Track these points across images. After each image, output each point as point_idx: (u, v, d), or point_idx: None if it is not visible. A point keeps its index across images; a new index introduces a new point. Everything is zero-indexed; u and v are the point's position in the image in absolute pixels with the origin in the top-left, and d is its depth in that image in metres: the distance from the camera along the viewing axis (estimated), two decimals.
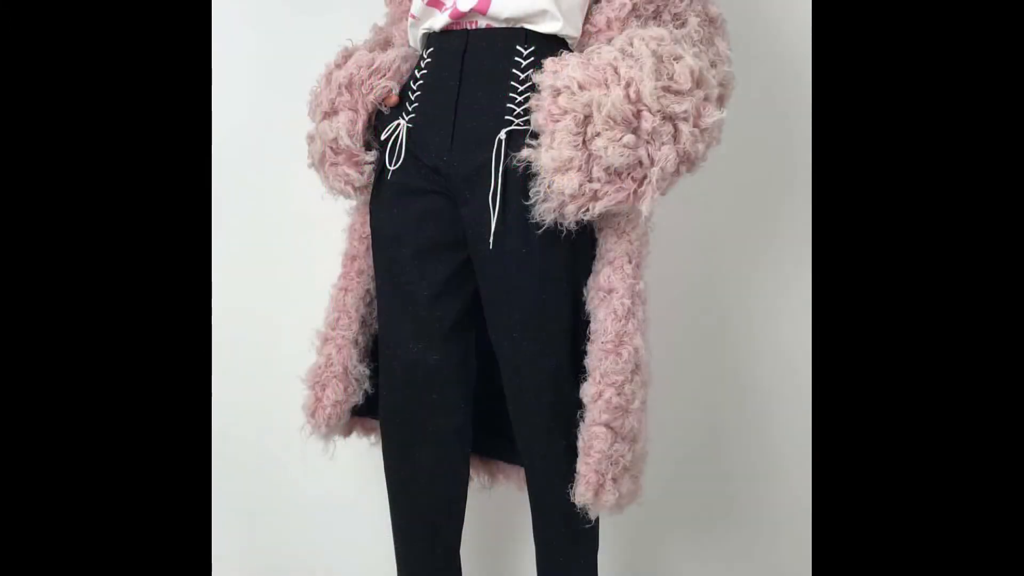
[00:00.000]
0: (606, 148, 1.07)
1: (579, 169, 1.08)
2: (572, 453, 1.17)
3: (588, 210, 1.09)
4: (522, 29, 1.17)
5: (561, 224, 1.11)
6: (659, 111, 1.08)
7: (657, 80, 1.08)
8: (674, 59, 1.10)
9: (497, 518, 1.74)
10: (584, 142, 1.08)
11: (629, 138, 1.07)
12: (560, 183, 1.08)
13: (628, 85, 1.07)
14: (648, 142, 1.08)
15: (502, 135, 1.14)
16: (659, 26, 1.14)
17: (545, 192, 1.10)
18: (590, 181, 1.08)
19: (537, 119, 1.10)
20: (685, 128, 1.09)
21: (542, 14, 1.15)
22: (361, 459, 1.90)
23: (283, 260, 1.92)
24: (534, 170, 1.11)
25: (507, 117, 1.15)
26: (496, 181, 1.14)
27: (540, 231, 1.12)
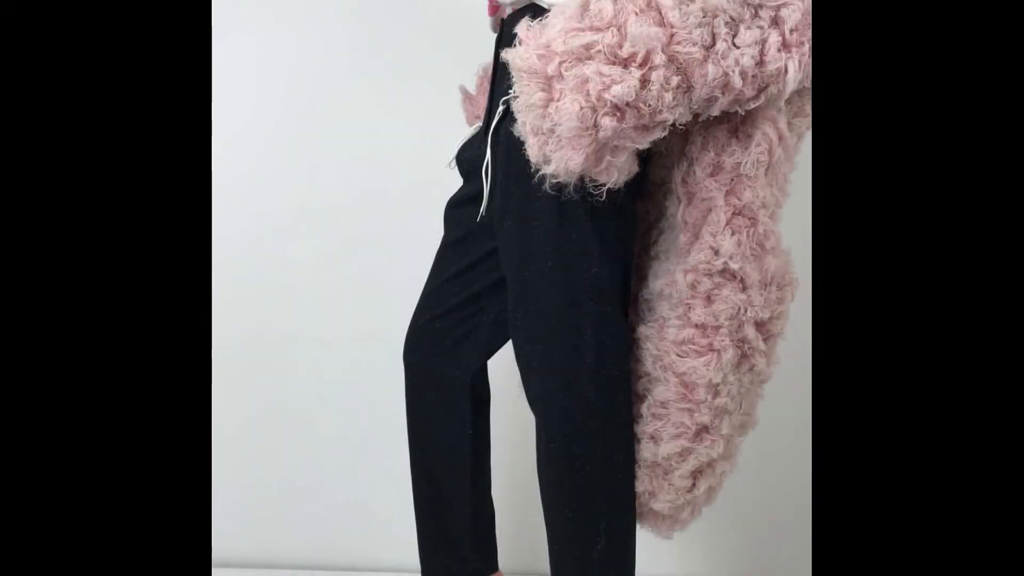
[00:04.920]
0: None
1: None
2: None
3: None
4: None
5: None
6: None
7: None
8: None
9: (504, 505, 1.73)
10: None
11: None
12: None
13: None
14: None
15: (501, 106, 1.12)
16: None
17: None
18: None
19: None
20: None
21: None
22: (362, 454, 1.89)
23: (282, 259, 1.91)
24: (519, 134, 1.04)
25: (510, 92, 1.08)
26: (489, 152, 1.13)
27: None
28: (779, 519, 1.86)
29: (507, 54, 1.02)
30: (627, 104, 0.96)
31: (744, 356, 1.12)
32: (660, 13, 0.97)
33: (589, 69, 0.96)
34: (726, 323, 1.09)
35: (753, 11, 1.00)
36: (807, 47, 1.00)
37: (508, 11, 1.19)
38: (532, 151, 1.01)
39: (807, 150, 1.66)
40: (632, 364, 1.16)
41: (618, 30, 0.97)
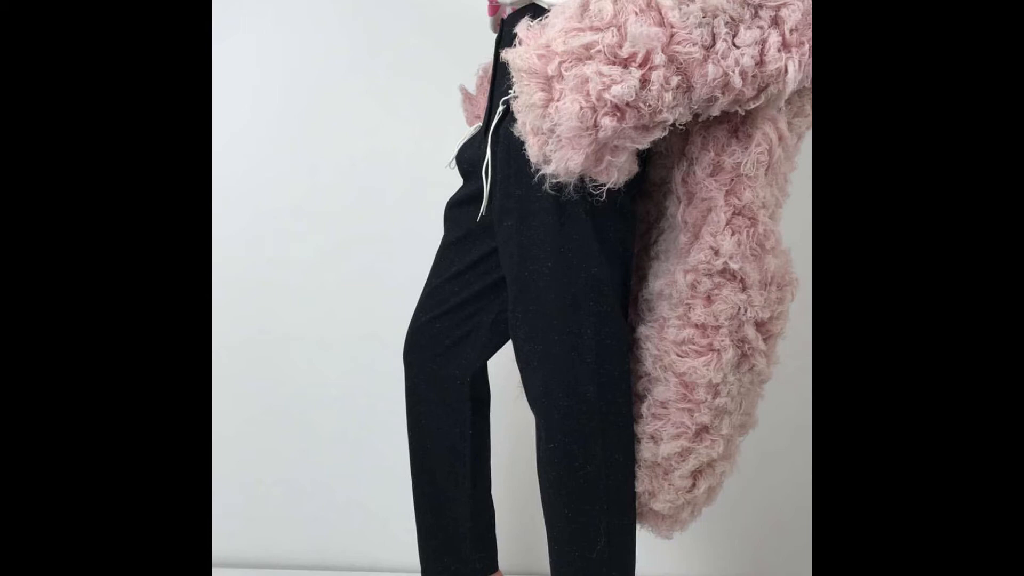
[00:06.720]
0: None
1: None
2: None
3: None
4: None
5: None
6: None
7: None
8: None
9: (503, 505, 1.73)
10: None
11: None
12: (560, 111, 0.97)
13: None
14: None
15: (501, 106, 1.12)
16: None
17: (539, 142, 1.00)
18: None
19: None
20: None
21: None
22: (362, 454, 1.89)
23: (283, 259, 1.91)
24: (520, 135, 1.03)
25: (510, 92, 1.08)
26: (489, 152, 1.13)
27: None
28: (779, 519, 1.86)
29: (507, 54, 1.02)
30: (627, 104, 0.96)
31: (744, 356, 1.12)
32: (660, 13, 0.97)
33: (589, 69, 0.96)
34: (726, 323, 1.09)
35: (753, 11, 1.00)
36: (807, 47, 1.00)
37: (508, 11, 1.19)
38: (532, 151, 1.01)
39: (807, 150, 1.66)
40: (632, 364, 1.16)
41: (618, 30, 0.97)
